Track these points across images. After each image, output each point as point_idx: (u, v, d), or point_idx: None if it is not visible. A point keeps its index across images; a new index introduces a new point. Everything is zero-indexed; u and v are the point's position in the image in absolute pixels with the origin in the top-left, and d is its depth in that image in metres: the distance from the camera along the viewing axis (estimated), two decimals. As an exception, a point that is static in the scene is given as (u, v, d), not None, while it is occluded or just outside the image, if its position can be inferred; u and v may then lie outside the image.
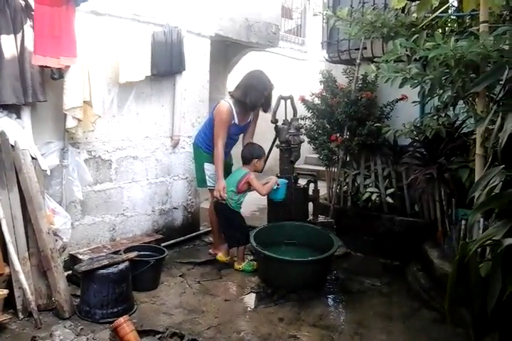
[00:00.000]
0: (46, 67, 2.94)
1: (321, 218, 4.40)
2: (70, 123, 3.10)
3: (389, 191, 4.66)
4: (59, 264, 2.86)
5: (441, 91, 3.08)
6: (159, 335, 2.64)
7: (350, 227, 4.62)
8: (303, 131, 4.46)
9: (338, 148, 4.75)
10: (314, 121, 4.91)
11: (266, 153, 3.84)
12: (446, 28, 3.87)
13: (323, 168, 5.31)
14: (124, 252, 3.18)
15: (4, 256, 2.70)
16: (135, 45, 3.56)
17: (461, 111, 3.66)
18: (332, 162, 4.94)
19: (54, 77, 3.02)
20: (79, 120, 3.12)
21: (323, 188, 4.93)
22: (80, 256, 3.20)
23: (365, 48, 4.56)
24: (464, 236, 3.32)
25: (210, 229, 4.51)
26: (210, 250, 3.99)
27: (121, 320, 2.49)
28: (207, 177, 3.80)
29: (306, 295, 3.29)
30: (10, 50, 2.80)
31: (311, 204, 4.33)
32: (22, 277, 2.67)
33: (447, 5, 3.54)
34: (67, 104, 3.03)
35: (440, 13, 3.48)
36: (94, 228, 3.55)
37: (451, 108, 3.59)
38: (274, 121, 4.04)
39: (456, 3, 3.90)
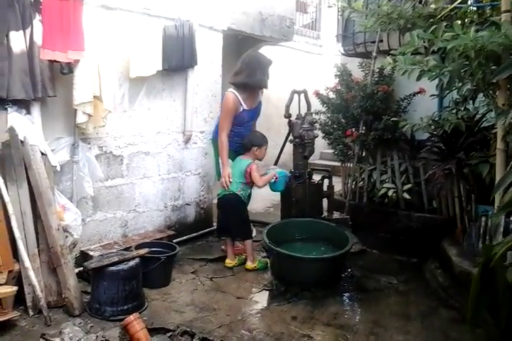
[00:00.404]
0: (55, 61, 2.91)
1: (335, 214, 4.32)
2: (81, 118, 3.08)
3: (406, 187, 4.56)
4: (69, 261, 2.83)
5: (460, 84, 2.98)
6: (170, 333, 2.59)
7: (366, 224, 4.54)
8: (317, 125, 4.37)
9: (354, 143, 4.67)
10: (329, 115, 4.82)
11: (267, 142, 3.77)
12: (466, 19, 3.74)
13: (338, 164, 5.23)
14: (135, 249, 3.16)
15: (14, 252, 2.68)
16: (146, 39, 3.52)
17: (480, 105, 3.55)
18: (347, 157, 4.85)
19: (63, 71, 2.98)
20: (89, 115, 3.09)
21: (338, 184, 4.85)
22: (91, 253, 3.17)
23: (381, 41, 4.46)
24: (484, 233, 3.22)
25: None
26: (223, 246, 3.94)
27: (132, 317, 2.45)
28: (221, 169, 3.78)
29: (320, 293, 3.22)
30: (19, 45, 2.77)
31: (325, 201, 4.25)
32: (32, 274, 2.65)
33: (465, -5, 3.41)
34: (77, 99, 2.99)
35: (459, 3, 3.37)
36: (106, 224, 3.52)
37: (470, 101, 3.49)
38: (288, 115, 3.96)
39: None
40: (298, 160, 3.96)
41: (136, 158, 3.68)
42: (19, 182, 2.77)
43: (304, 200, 3.90)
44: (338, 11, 4.96)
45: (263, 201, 5.43)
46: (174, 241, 3.73)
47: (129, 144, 3.61)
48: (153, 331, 2.57)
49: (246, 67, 3.67)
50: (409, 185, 4.55)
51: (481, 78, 2.72)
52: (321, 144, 6.21)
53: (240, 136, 3.75)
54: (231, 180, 3.56)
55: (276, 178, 3.67)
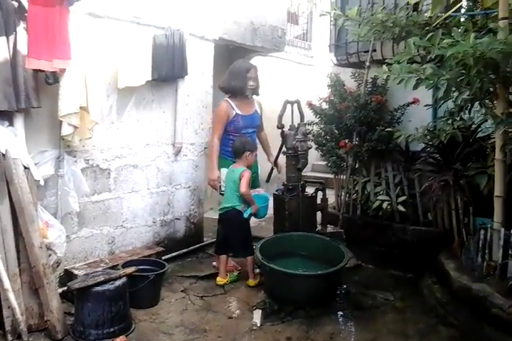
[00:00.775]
0: (40, 71, 2.80)
1: (329, 228, 4.21)
2: (66, 130, 2.96)
3: (400, 199, 4.48)
4: (52, 281, 2.68)
5: (457, 93, 2.92)
6: (158, 357, 2.46)
7: (360, 237, 4.44)
8: (310, 136, 4.29)
9: (347, 155, 4.59)
10: (322, 126, 4.75)
11: (257, 148, 3.77)
12: (460, 28, 3.71)
13: (331, 176, 5.14)
14: (121, 267, 3.01)
15: (-7, 272, 2.53)
16: (135, 48, 3.43)
17: (475, 115, 3.49)
18: (341, 169, 4.76)
19: (48, 81, 2.87)
20: (75, 127, 2.97)
21: (331, 196, 4.74)
22: (76, 271, 3.03)
23: (374, 50, 4.41)
24: (483, 247, 3.13)
25: (214, 240, 4.34)
26: (214, 263, 3.81)
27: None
28: (222, 182, 3.75)
29: (315, 311, 3.11)
30: (2, 54, 2.65)
31: (319, 214, 4.14)
32: (11, 296, 2.49)
33: (460, 4, 3.37)
34: (63, 110, 2.88)
35: (453, 12, 3.33)
36: (92, 241, 3.38)
37: (465, 111, 3.43)
38: (281, 126, 3.87)
39: (468, 3, 3.75)
40: (291, 172, 3.86)
41: (124, 171, 3.56)
42: (0, 198, 2.62)
43: (297, 214, 3.79)
44: (331, 21, 4.93)
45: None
46: (163, 257, 3.59)
47: (116, 157, 3.49)
48: (140, 355, 2.44)
49: (227, 73, 3.85)
50: (403, 197, 4.47)
51: (479, 87, 2.66)
52: (313, 156, 6.13)
53: None
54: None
55: (254, 211, 3.54)
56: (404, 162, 4.53)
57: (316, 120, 4.77)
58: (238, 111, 3.78)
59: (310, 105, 4.74)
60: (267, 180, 4.28)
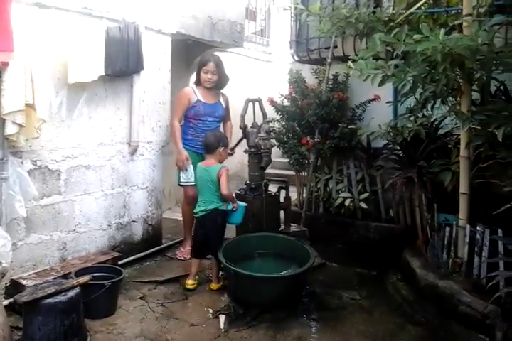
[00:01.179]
0: (-21, 64, 2.56)
1: (293, 227, 4.13)
2: (10, 129, 2.72)
3: (363, 196, 4.47)
4: (-4, 293, 2.46)
5: (421, 89, 2.88)
6: (116, 373, 2.29)
7: (324, 235, 4.39)
8: (272, 134, 4.19)
9: (309, 152, 4.52)
10: (283, 123, 4.66)
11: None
12: (421, 24, 3.71)
13: (293, 173, 5.06)
14: (74, 275, 2.80)
15: None
16: (86, 41, 3.21)
17: (435, 111, 3.48)
18: (302, 166, 4.69)
19: (-11, 76, 2.62)
20: (20, 126, 2.74)
21: (293, 194, 4.67)
22: (24, 282, 2.80)
23: (335, 47, 4.34)
24: (448, 244, 3.12)
25: (173, 242, 4.25)
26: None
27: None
28: (180, 174, 3.81)
29: (282, 314, 3.01)
30: None
31: (282, 212, 4.06)
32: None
33: (423, 1, 3.35)
34: (6, 108, 2.65)
35: (416, 9, 3.30)
36: (42, 247, 3.14)
37: (427, 108, 3.41)
38: (243, 126, 3.76)
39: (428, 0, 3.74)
40: (254, 171, 3.76)
41: (75, 172, 3.33)
42: None
43: (260, 213, 3.69)
44: (292, 16, 4.85)
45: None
46: (120, 262, 3.40)
47: (67, 157, 3.25)
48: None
49: None
50: (366, 194, 4.46)
51: (444, 84, 2.62)
52: (274, 153, 6.03)
53: (200, 131, 3.82)
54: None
55: (236, 207, 3.40)
56: (366, 159, 4.51)
57: (278, 117, 4.68)
58: (200, 98, 3.83)
59: (272, 102, 4.64)
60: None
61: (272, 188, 4.00)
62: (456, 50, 2.29)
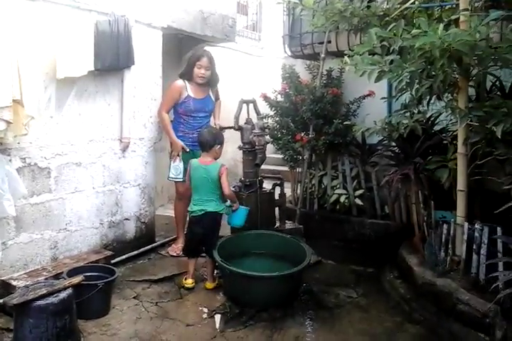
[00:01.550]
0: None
1: (288, 224, 4.08)
2: (-3, 126, 2.64)
3: (358, 192, 4.44)
4: (-15, 296, 2.39)
5: (417, 85, 2.84)
6: (110, 376, 2.23)
7: (319, 232, 4.36)
8: (267, 130, 4.13)
9: (303, 148, 4.47)
10: (277, 119, 4.60)
11: None
12: (416, 19, 3.67)
13: (287, 168, 5.01)
14: (66, 276, 2.74)
15: None
16: (75, 35, 3.12)
17: (430, 108, 3.44)
18: (297, 163, 4.64)
19: (-26, 71, 2.54)
20: (8, 122, 2.66)
21: (287, 190, 4.61)
22: (14, 282, 2.73)
23: (329, 42, 4.29)
24: (446, 241, 3.09)
25: (166, 240, 4.18)
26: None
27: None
28: (170, 169, 3.82)
29: (278, 313, 2.98)
30: None
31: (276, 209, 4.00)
32: None
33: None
34: (-7, 104, 2.57)
35: (411, 3, 3.26)
36: (32, 246, 3.07)
37: (423, 104, 3.37)
38: (238, 127, 3.70)
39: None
40: (248, 168, 3.70)
41: (65, 169, 3.25)
42: None
43: (255, 211, 3.63)
44: (284, 11, 4.78)
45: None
46: (112, 261, 3.34)
47: (57, 154, 3.18)
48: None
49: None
50: (361, 191, 4.43)
51: (442, 79, 2.58)
52: (268, 148, 5.98)
53: (191, 128, 3.81)
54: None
55: (236, 208, 3.36)
56: (361, 155, 4.48)
57: (272, 113, 4.62)
58: (191, 93, 3.80)
59: (265, 98, 4.58)
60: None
61: (267, 185, 3.95)
62: (454, 46, 2.25)
